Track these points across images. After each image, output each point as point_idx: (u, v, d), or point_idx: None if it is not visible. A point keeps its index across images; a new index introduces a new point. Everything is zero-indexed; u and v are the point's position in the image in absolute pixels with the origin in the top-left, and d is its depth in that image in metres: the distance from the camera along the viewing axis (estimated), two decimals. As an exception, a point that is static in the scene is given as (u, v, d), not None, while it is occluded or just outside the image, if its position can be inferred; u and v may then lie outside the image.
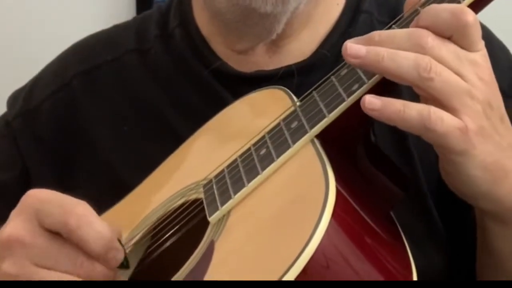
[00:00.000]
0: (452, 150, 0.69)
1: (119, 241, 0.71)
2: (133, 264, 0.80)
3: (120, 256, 0.70)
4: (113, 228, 0.71)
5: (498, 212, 0.76)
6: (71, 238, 0.69)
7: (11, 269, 0.69)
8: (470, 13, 0.69)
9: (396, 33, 0.71)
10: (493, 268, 0.83)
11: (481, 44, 0.71)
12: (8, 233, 0.70)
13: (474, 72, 0.69)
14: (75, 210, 0.69)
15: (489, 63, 0.71)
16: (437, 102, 0.69)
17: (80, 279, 0.68)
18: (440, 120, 0.68)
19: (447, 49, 0.69)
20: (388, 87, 0.70)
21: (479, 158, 0.70)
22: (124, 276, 0.78)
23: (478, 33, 0.70)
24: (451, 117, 0.68)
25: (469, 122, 0.68)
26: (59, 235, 0.69)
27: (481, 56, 0.70)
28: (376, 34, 0.71)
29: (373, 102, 0.69)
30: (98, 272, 0.69)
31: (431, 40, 0.68)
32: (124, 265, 0.71)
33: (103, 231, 0.69)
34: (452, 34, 0.69)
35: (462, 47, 0.69)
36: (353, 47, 0.70)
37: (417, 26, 0.70)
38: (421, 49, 0.68)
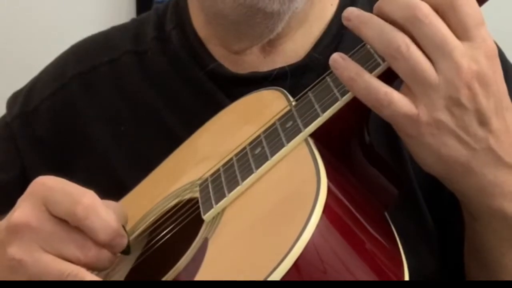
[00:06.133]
0: (401, 131, 0.71)
1: (123, 227, 0.73)
2: (130, 261, 0.81)
3: (124, 242, 0.73)
4: (118, 212, 0.73)
5: (465, 203, 0.77)
6: (78, 226, 0.70)
7: (17, 253, 0.70)
8: None
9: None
10: (473, 263, 0.83)
11: (479, 33, 0.70)
12: (16, 218, 0.71)
13: (452, 65, 0.69)
14: (83, 200, 0.70)
15: (488, 61, 0.70)
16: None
17: (84, 265, 0.70)
18: (388, 102, 0.69)
19: (435, 32, 0.69)
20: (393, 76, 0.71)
21: (431, 147, 0.71)
22: (122, 271, 0.79)
23: (470, 14, 0.69)
24: (404, 102, 0.69)
25: (423, 112, 0.69)
26: (66, 221, 0.71)
27: (472, 48, 0.69)
28: None
29: (335, 60, 0.72)
30: (103, 257, 0.71)
31: (423, 14, 0.69)
32: (126, 250, 0.73)
33: (110, 220, 0.71)
34: (439, 6, 0.69)
35: (454, 30, 0.69)
36: (349, 10, 0.73)
37: None
38: (410, 20, 0.69)
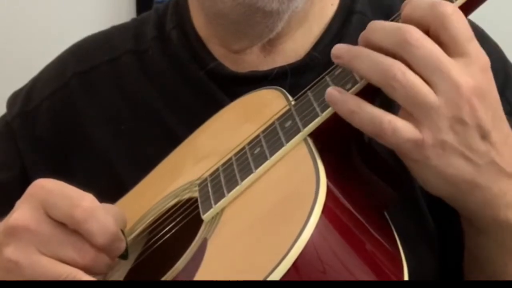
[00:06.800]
0: (406, 157, 0.71)
1: (122, 232, 0.73)
2: (129, 261, 0.81)
3: (123, 247, 0.73)
4: (117, 216, 0.73)
5: (472, 219, 0.76)
6: (77, 230, 0.70)
7: (14, 255, 0.70)
8: (448, 5, 0.69)
9: (388, 25, 0.71)
10: (476, 272, 0.83)
11: (471, 47, 0.70)
12: (14, 220, 0.71)
13: (450, 84, 0.68)
14: (81, 203, 0.70)
15: (482, 73, 0.70)
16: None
17: (81, 269, 0.70)
18: (392, 131, 0.68)
19: (428, 53, 0.68)
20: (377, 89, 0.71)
21: (436, 169, 0.70)
22: (121, 272, 0.79)
23: (461, 30, 0.69)
24: (408, 128, 0.69)
25: (428, 135, 0.69)
26: (64, 225, 0.71)
27: (467, 63, 0.69)
28: (372, 23, 0.72)
29: (332, 95, 0.71)
30: (100, 261, 0.71)
31: (414, 39, 0.68)
32: (124, 255, 0.73)
33: (109, 224, 0.71)
34: (429, 25, 0.69)
35: (446, 47, 0.69)
36: (337, 47, 0.73)
37: (401, 17, 0.72)
38: (402, 46, 0.69)
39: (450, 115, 0.69)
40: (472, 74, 0.69)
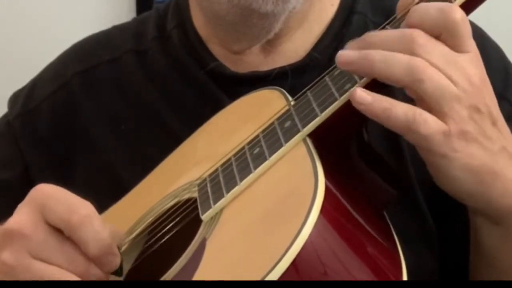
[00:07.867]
0: (434, 152, 0.71)
1: (118, 247, 0.72)
2: (129, 261, 0.81)
3: (116, 262, 0.71)
4: (115, 232, 0.73)
5: (489, 212, 0.77)
6: (71, 236, 0.70)
7: (9, 259, 0.70)
8: (458, 11, 0.71)
9: (389, 33, 0.72)
10: (485, 268, 0.83)
11: (471, 44, 0.72)
12: (11, 224, 0.71)
13: (464, 75, 0.70)
14: (79, 210, 0.70)
15: (480, 64, 0.73)
16: (426, 104, 0.70)
17: (75, 277, 0.70)
18: (424, 122, 0.69)
19: (438, 51, 0.70)
20: (379, 87, 0.71)
21: (462, 161, 0.71)
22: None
23: (467, 31, 0.71)
24: (436, 121, 0.69)
25: (453, 126, 0.70)
26: (61, 232, 0.70)
27: (471, 57, 0.71)
28: (370, 35, 0.73)
29: (363, 97, 0.70)
30: (91, 273, 0.71)
31: (422, 41, 0.70)
32: (118, 272, 0.72)
33: (104, 235, 0.70)
34: (441, 32, 0.71)
35: (451, 47, 0.71)
36: (344, 54, 0.72)
37: (407, 24, 0.72)
38: (412, 50, 0.70)
39: (468, 104, 0.70)
40: (476, 66, 0.72)
